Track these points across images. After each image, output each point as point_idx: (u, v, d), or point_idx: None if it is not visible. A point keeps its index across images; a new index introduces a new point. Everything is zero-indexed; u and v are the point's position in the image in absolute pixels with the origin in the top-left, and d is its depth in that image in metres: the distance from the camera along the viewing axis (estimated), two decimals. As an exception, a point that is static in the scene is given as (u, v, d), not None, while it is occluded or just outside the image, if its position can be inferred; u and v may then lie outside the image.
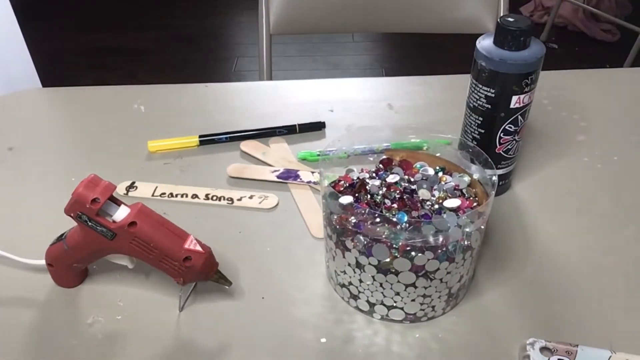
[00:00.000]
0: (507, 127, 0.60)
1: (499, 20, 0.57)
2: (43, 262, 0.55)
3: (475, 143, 0.62)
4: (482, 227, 0.50)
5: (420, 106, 0.82)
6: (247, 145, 0.74)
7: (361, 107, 0.82)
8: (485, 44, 0.58)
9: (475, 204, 0.52)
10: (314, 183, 0.67)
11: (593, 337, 0.51)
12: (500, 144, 0.62)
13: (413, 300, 0.50)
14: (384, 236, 0.47)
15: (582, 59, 2.54)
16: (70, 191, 0.48)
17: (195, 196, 0.66)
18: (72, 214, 0.48)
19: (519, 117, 0.60)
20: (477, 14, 1.12)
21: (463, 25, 1.14)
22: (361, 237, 0.48)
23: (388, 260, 0.48)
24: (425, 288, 0.49)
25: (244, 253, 0.60)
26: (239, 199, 0.66)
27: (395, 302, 0.51)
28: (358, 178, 0.55)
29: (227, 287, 0.54)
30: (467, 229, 0.47)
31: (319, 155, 0.72)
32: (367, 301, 0.52)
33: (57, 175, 0.70)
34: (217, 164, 0.71)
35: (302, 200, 0.66)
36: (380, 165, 0.57)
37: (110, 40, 2.76)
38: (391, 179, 0.54)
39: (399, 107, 0.82)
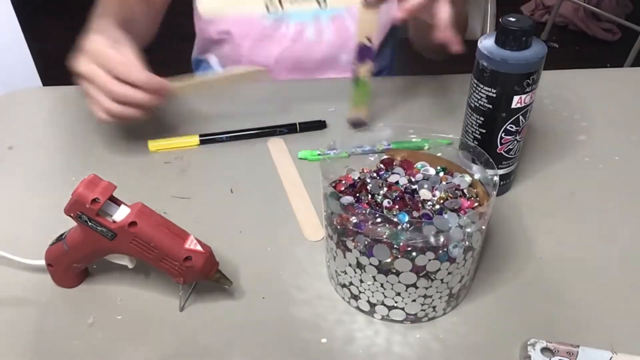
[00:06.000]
0: (508, 127, 0.60)
1: (500, 20, 0.57)
2: (43, 262, 0.54)
3: (477, 143, 0.62)
4: (483, 227, 0.50)
5: (420, 106, 0.82)
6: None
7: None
8: (486, 43, 0.58)
9: (476, 204, 0.52)
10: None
11: (594, 337, 0.51)
12: (501, 144, 0.62)
13: (414, 300, 0.50)
14: (384, 236, 0.46)
15: (582, 59, 2.54)
16: (70, 191, 0.47)
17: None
18: (72, 214, 0.48)
19: (520, 117, 0.60)
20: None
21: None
22: (362, 238, 0.47)
23: (389, 260, 0.47)
24: (426, 288, 0.49)
25: (244, 253, 0.59)
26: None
27: (396, 302, 0.51)
28: (359, 178, 0.55)
29: (227, 286, 0.54)
30: (468, 230, 0.47)
31: (319, 154, 0.72)
32: (368, 301, 0.52)
33: (57, 175, 0.70)
34: (218, 163, 0.71)
35: (301, 201, 0.66)
36: (381, 165, 0.57)
37: (111, 39, 2.75)
38: (392, 179, 0.54)
39: (400, 107, 0.82)
